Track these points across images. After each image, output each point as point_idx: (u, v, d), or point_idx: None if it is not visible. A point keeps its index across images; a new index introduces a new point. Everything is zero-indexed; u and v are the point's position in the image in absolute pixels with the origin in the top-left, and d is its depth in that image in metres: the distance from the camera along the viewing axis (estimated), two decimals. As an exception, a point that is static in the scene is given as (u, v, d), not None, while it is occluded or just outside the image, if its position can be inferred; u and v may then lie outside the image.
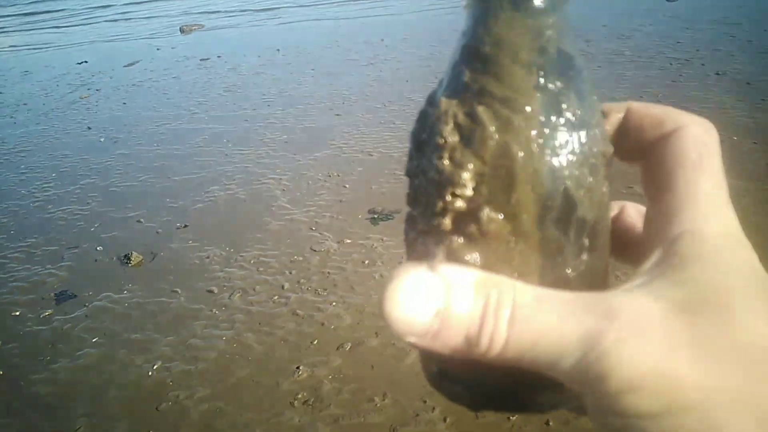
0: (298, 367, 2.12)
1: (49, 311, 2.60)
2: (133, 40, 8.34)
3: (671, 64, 4.42)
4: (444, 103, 0.38)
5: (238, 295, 2.53)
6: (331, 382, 2.05)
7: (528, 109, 0.36)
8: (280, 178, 3.48)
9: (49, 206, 3.52)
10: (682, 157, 0.39)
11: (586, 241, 0.38)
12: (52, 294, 2.71)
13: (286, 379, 2.09)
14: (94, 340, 2.39)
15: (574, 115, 0.36)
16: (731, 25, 5.16)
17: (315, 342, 2.23)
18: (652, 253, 0.36)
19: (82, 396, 2.15)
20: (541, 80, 0.36)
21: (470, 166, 0.36)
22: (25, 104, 5.72)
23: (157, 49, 7.34)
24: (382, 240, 2.74)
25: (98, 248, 3.01)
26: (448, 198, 0.37)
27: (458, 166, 0.37)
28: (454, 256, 0.37)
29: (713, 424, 0.31)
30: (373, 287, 2.45)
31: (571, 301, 0.34)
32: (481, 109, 0.36)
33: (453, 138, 0.37)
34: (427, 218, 0.38)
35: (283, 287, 2.54)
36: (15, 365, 2.33)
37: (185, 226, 3.11)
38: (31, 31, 10.03)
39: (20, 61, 7.77)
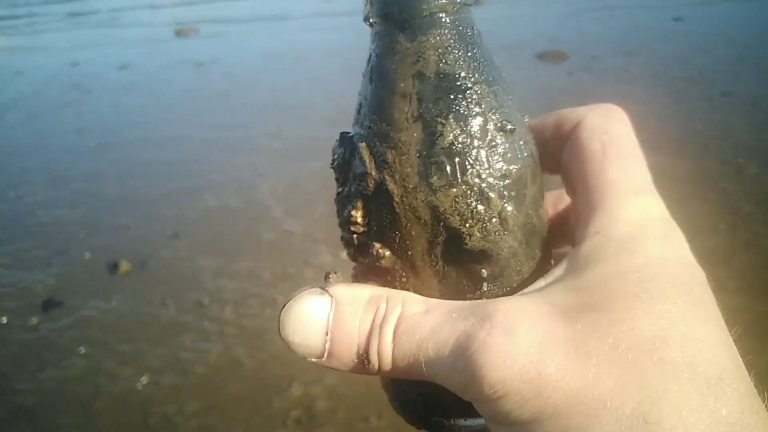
0: (290, 384, 2.07)
1: (36, 319, 2.53)
2: (127, 42, 8.28)
3: (677, 83, 4.42)
4: (338, 139, 0.40)
5: (230, 307, 2.48)
6: (325, 401, 2.00)
7: (401, 144, 0.36)
8: (275, 188, 3.43)
9: (38, 211, 3.45)
10: (583, 151, 0.39)
11: (484, 272, 0.37)
12: (40, 301, 2.64)
13: (278, 395, 2.03)
14: (81, 350, 2.33)
15: (451, 144, 0.35)
16: (739, 46, 5.19)
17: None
18: (564, 258, 0.37)
19: (69, 407, 2.08)
20: (417, 111, 0.36)
21: (357, 204, 0.38)
22: (16, 105, 5.64)
23: (151, 53, 7.28)
24: (378, 254, 2.70)
25: (87, 255, 2.95)
26: (346, 234, 0.40)
27: (348, 203, 0.39)
28: (362, 278, 0.39)
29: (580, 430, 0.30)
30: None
31: (453, 310, 0.34)
32: (362, 146, 0.37)
33: (341, 176, 0.40)
34: (345, 246, 0.41)
35: (275, 300, 2.49)
36: (1, 373, 2.26)
37: (176, 234, 3.06)
38: (24, 33, 9.95)
39: (13, 62, 7.69)
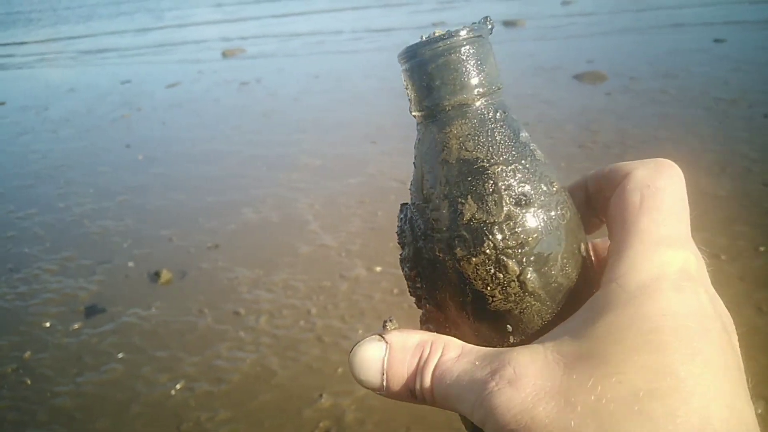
0: (321, 395, 2.09)
1: (79, 324, 2.62)
2: (177, 61, 8.55)
3: (717, 104, 4.35)
4: (401, 208, 0.47)
5: (265, 318, 2.52)
6: (354, 413, 2.01)
7: (433, 220, 0.42)
8: (313, 204, 3.49)
9: (85, 221, 3.58)
10: (624, 202, 0.41)
11: (509, 327, 0.42)
12: (82, 307, 2.73)
13: (309, 406, 2.06)
14: (120, 356, 2.40)
15: (473, 218, 0.40)
16: (775, 68, 5.08)
17: (340, 370, 2.20)
18: (584, 305, 0.39)
19: (106, 411, 2.15)
20: (444, 191, 0.42)
21: (410, 265, 0.45)
22: (68, 121, 5.88)
23: (199, 72, 7.50)
24: (412, 270, 2.71)
25: (130, 264, 3.04)
26: (409, 290, 0.46)
27: (404, 265, 0.46)
28: (423, 325, 0.47)
29: None
30: (402, 317, 2.41)
31: (483, 356, 0.39)
32: (409, 220, 0.45)
33: (402, 241, 0.46)
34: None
35: (309, 312, 2.52)
36: (42, 376, 2.34)
37: (216, 246, 3.13)
38: (80, 55, 10.37)
39: (67, 79, 8.02)
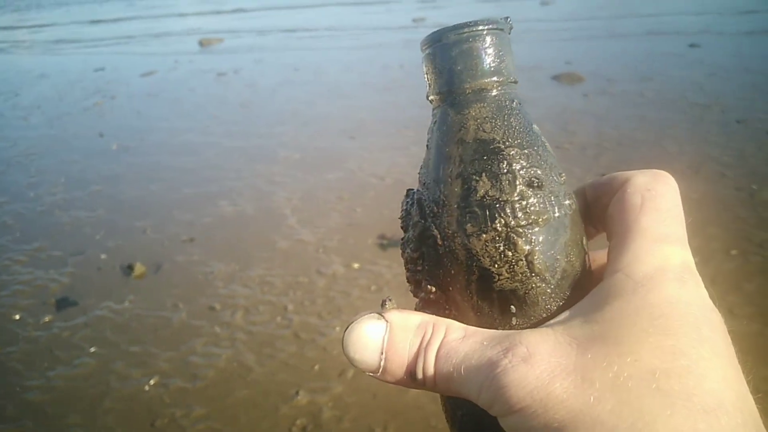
0: (297, 392, 2.07)
1: (49, 317, 2.57)
2: (152, 50, 8.41)
3: (692, 108, 4.41)
4: (405, 194, 0.48)
5: (241, 313, 2.50)
6: (331, 410, 2.00)
7: (444, 197, 0.43)
8: (290, 198, 3.47)
9: (56, 211, 3.51)
10: (625, 203, 0.44)
11: (513, 308, 0.42)
12: (53, 300, 2.67)
13: (285, 403, 2.04)
14: (92, 350, 2.35)
15: (486, 195, 0.41)
16: (754, 74, 5.17)
17: (316, 367, 2.19)
18: (590, 292, 0.41)
19: (77, 406, 2.10)
20: (457, 170, 0.42)
21: (413, 246, 0.45)
22: (39, 107, 5.75)
23: (175, 62, 7.39)
24: (391, 266, 2.71)
25: (102, 256, 2.99)
26: (408, 272, 0.46)
27: (407, 245, 0.46)
28: (419, 311, 0.45)
29: None
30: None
31: (485, 339, 0.40)
32: (416, 200, 0.46)
33: (405, 224, 0.47)
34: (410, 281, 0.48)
35: (286, 308, 2.50)
36: (12, 370, 2.29)
37: (191, 239, 3.09)
38: (51, 41, 10.14)
39: (38, 64, 7.84)
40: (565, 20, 8.38)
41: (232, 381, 2.16)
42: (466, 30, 0.43)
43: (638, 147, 3.73)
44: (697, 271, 0.40)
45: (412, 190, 0.48)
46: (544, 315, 0.42)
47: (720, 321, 0.38)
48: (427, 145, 0.46)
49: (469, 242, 0.41)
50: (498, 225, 0.41)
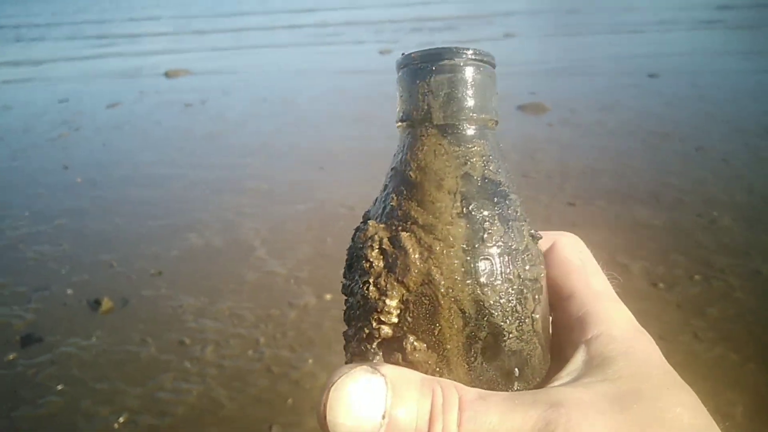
0: (271, 427, 2.05)
1: (13, 355, 2.50)
2: (118, 80, 8.35)
3: (652, 137, 4.55)
4: (371, 226, 0.40)
5: (211, 348, 2.47)
6: (304, 445, 1.98)
7: (450, 237, 0.37)
8: (259, 229, 3.46)
9: (20, 245, 3.44)
10: (568, 265, 0.46)
11: (516, 371, 0.39)
12: (18, 337, 2.61)
13: (257, 439, 2.02)
14: (58, 388, 2.30)
15: (497, 242, 0.37)
16: (710, 103, 5.37)
17: (289, 401, 2.17)
18: (575, 354, 0.41)
19: (42, 448, 2.04)
20: (465, 208, 0.38)
21: (394, 293, 0.37)
22: (2, 139, 5.65)
23: (141, 92, 7.35)
24: (361, 297, 2.71)
25: (68, 291, 2.93)
26: (374, 324, 0.37)
27: (383, 293, 0.37)
28: None
29: None
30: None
31: (513, 398, 0.35)
32: (404, 236, 0.38)
33: (378, 263, 0.38)
34: (358, 342, 0.39)
35: (258, 342, 2.49)
36: (-28, 412, 2.22)
37: (159, 273, 3.05)
38: (16, 65, 10.00)
39: (1, 95, 7.71)
40: (528, 48, 8.61)
41: (202, 417, 2.12)
42: (476, 57, 0.41)
43: (600, 176, 3.83)
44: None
45: (369, 218, 0.41)
46: (538, 379, 0.41)
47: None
48: (402, 169, 0.41)
49: (482, 293, 0.36)
50: (513, 276, 0.37)
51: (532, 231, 0.41)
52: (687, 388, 0.39)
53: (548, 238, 0.48)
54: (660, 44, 8.23)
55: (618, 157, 4.16)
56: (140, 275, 3.05)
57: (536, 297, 0.39)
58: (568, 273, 0.45)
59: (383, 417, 0.33)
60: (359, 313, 0.39)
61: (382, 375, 0.34)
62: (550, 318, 0.44)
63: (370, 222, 0.41)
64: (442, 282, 0.36)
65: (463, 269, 0.37)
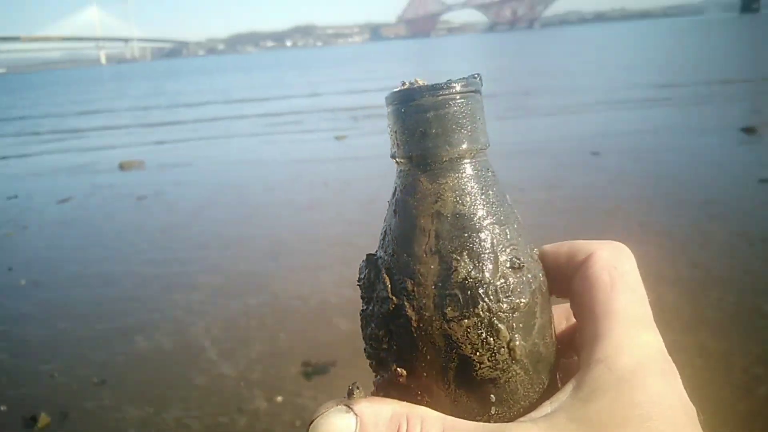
0: None
1: (-65, 486, 2.31)
2: (71, 175, 8.27)
3: (597, 215, 4.67)
4: (363, 263, 0.44)
5: (155, 463, 2.33)
6: None
7: (420, 275, 0.39)
8: (210, 327, 3.36)
9: (-46, 358, 3.26)
10: (595, 281, 0.43)
11: (493, 397, 0.40)
12: (-58, 464, 2.43)
13: None
14: None
15: (468, 276, 0.38)
16: (652, 178, 5.58)
17: None
18: (568, 382, 0.40)
19: None
20: (435, 246, 0.39)
21: (378, 323, 0.41)
22: (-57, 242, 5.47)
23: (94, 186, 7.28)
24: (316, 397, 2.63)
25: (1, 408, 2.76)
26: (369, 348, 0.42)
27: (368, 322, 0.42)
28: (382, 391, 0.42)
29: None
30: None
31: None
32: (384, 273, 0.41)
33: (366, 294, 0.43)
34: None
35: (205, 453, 2.36)
36: None
37: (102, 382, 2.91)
38: (-37, 164, 9.85)
39: (-54, 195, 7.54)
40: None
41: None
42: (444, 92, 0.40)
43: (552, 256, 3.88)
44: (669, 357, 0.40)
45: (374, 255, 0.44)
46: (523, 402, 0.41)
47: (695, 415, 0.39)
48: (394, 210, 0.43)
49: (449, 328, 0.38)
50: (480, 310, 0.38)
51: (517, 256, 0.41)
52: None
53: (586, 248, 0.45)
54: (603, 124, 8.61)
55: (566, 235, 4.18)
56: (82, 385, 2.90)
57: (514, 326, 0.39)
58: (591, 290, 0.42)
59: None
60: (363, 335, 0.43)
61: (355, 414, 0.38)
62: (548, 340, 0.43)
63: (366, 256, 0.44)
64: (414, 317, 0.39)
65: (432, 305, 0.39)
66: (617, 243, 0.46)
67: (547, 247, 0.47)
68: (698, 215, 4.53)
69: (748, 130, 7.48)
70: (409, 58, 41.46)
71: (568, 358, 0.47)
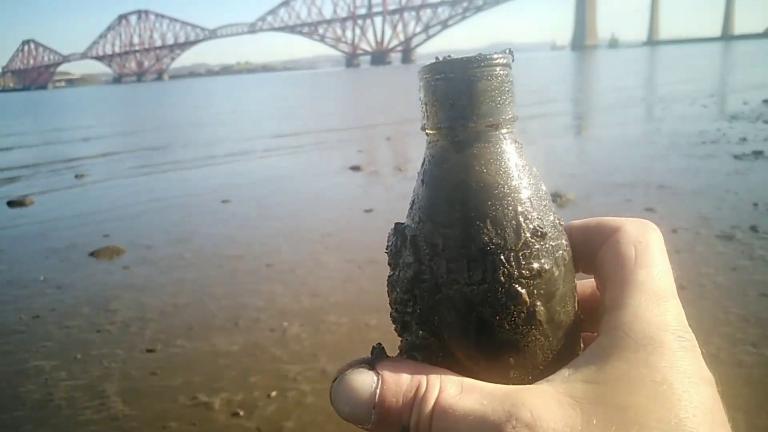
0: None
1: None
2: None
3: (228, 262, 4.75)
4: (391, 231, 0.45)
5: None
6: None
7: (444, 240, 0.40)
8: None
9: None
10: (619, 254, 0.44)
11: (512, 361, 0.41)
12: None
13: None
14: None
15: (490, 243, 0.39)
16: (276, 220, 5.93)
17: None
18: (587, 348, 0.41)
19: None
20: (459, 213, 0.41)
21: (404, 288, 0.42)
22: None
23: None
24: None
25: None
26: (395, 312, 0.43)
27: (394, 287, 0.43)
28: (405, 354, 0.43)
29: None
30: None
31: (489, 394, 0.38)
32: (409, 240, 0.43)
33: (391, 260, 0.44)
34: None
35: None
36: None
37: None
38: None
39: None
40: (101, 188, 8.35)
41: None
42: (474, 66, 0.41)
43: (181, 312, 3.79)
44: (689, 329, 0.41)
45: (401, 224, 0.45)
46: (542, 367, 0.41)
47: (713, 382, 0.39)
48: (422, 180, 0.43)
49: (471, 291, 0.40)
50: (501, 276, 0.39)
51: (540, 225, 0.41)
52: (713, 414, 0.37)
53: (614, 224, 0.46)
54: (231, 174, 8.88)
55: (198, 288, 4.21)
56: None
57: (535, 292, 0.40)
58: (615, 262, 0.44)
59: (373, 408, 0.38)
60: (389, 300, 0.44)
61: (376, 372, 0.39)
62: (569, 308, 0.44)
63: (395, 224, 0.45)
64: (436, 281, 0.40)
65: (455, 269, 0.40)
66: (644, 220, 0.47)
67: (576, 223, 0.48)
68: (317, 248, 4.96)
69: (354, 168, 8.54)
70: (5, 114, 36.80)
71: (591, 331, 0.47)
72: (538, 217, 0.42)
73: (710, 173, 6.58)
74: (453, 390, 0.39)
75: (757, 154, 7.39)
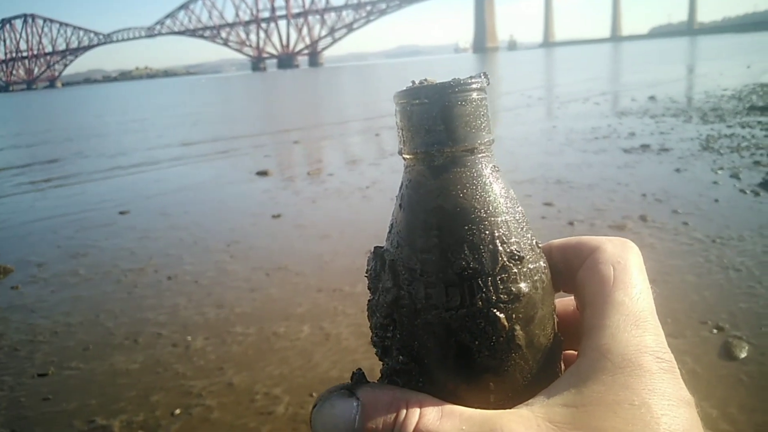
0: None
1: None
2: None
3: (126, 275, 4.53)
4: (371, 255, 0.45)
5: None
6: None
7: (422, 266, 0.40)
8: None
9: None
10: (597, 274, 0.44)
11: (492, 385, 0.40)
12: None
13: None
14: None
15: (467, 267, 0.39)
16: (180, 230, 5.72)
17: None
18: (566, 370, 0.41)
19: None
20: (436, 239, 0.40)
21: (383, 313, 0.42)
22: None
23: None
24: None
25: None
26: (375, 337, 0.44)
27: (373, 312, 0.44)
28: (386, 379, 0.43)
29: None
30: None
31: (469, 419, 0.38)
32: (388, 264, 0.43)
33: (370, 284, 0.44)
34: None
35: None
36: None
37: None
38: None
39: None
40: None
41: None
42: (449, 91, 0.41)
43: (76, 332, 3.59)
44: (668, 349, 0.40)
45: (381, 248, 0.45)
46: (522, 391, 0.41)
47: (693, 412, 0.38)
48: (399, 204, 0.43)
49: (449, 317, 0.40)
50: (479, 301, 0.39)
51: (518, 249, 0.41)
52: None
53: (593, 243, 0.46)
54: (135, 186, 8.50)
55: (94, 305, 3.99)
56: None
57: (514, 316, 0.40)
58: (594, 283, 0.44)
59: None
60: (370, 324, 0.45)
61: (357, 398, 0.39)
62: (549, 331, 0.44)
63: (374, 248, 0.45)
64: (414, 307, 0.40)
65: (433, 295, 0.40)
66: (624, 239, 0.47)
67: (556, 242, 0.48)
68: (223, 257, 4.83)
69: (261, 173, 8.45)
70: None
71: (574, 351, 0.47)
72: (515, 241, 0.42)
73: (603, 167, 6.95)
74: (432, 415, 0.39)
75: (645, 147, 7.88)
